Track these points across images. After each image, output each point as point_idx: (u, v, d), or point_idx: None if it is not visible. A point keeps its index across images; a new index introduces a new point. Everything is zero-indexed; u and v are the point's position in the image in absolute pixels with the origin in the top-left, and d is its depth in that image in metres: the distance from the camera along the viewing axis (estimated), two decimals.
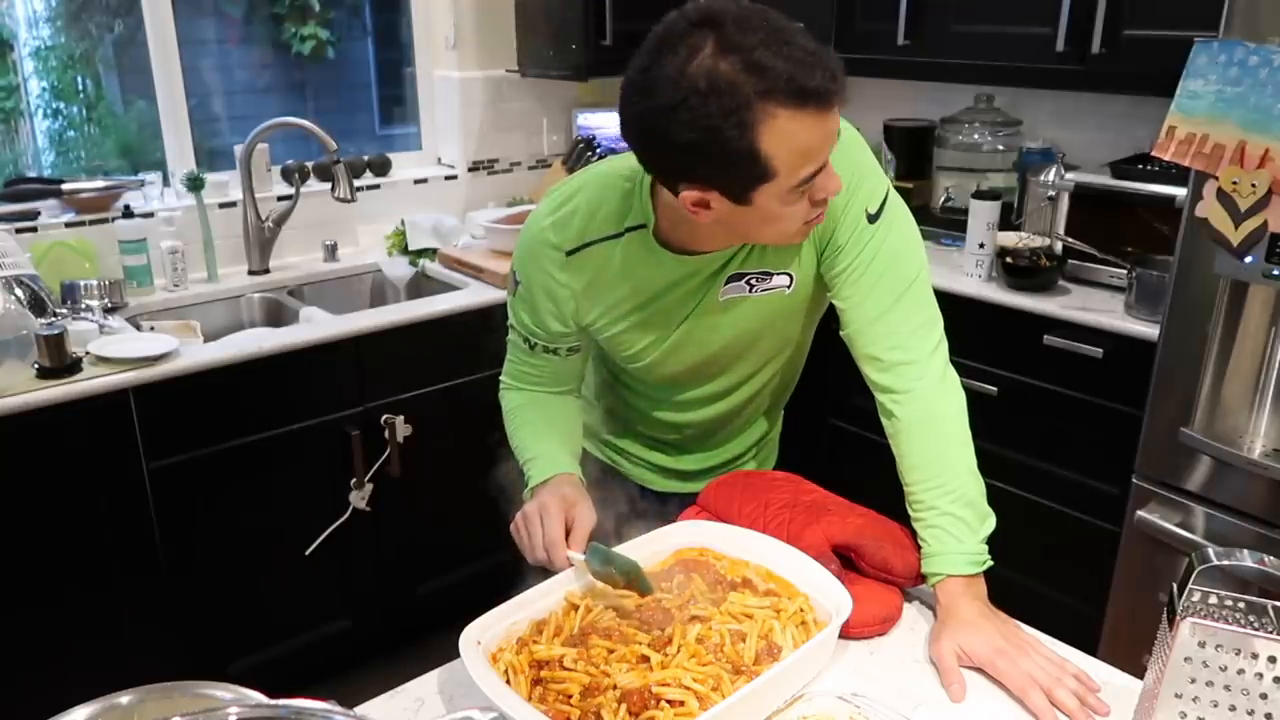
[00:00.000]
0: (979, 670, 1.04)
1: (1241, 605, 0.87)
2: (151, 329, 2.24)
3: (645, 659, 0.98)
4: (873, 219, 1.17)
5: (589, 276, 1.21)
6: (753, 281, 1.21)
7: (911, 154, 2.87)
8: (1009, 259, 2.37)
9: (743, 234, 1.13)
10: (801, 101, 0.95)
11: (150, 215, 2.51)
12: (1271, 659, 0.84)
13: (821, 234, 1.18)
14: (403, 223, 2.87)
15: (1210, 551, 0.87)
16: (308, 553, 2.32)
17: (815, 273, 1.23)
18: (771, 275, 1.21)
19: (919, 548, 1.15)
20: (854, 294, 1.19)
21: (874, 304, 1.17)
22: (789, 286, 1.22)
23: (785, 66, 0.93)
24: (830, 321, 1.37)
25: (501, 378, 1.39)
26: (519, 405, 1.35)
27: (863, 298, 1.18)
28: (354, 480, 2.34)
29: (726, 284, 1.21)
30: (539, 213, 1.23)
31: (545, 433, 1.31)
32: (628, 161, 1.15)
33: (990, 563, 1.11)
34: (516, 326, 1.31)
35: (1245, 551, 0.88)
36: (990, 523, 1.14)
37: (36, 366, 1.92)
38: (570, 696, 0.95)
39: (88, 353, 1.99)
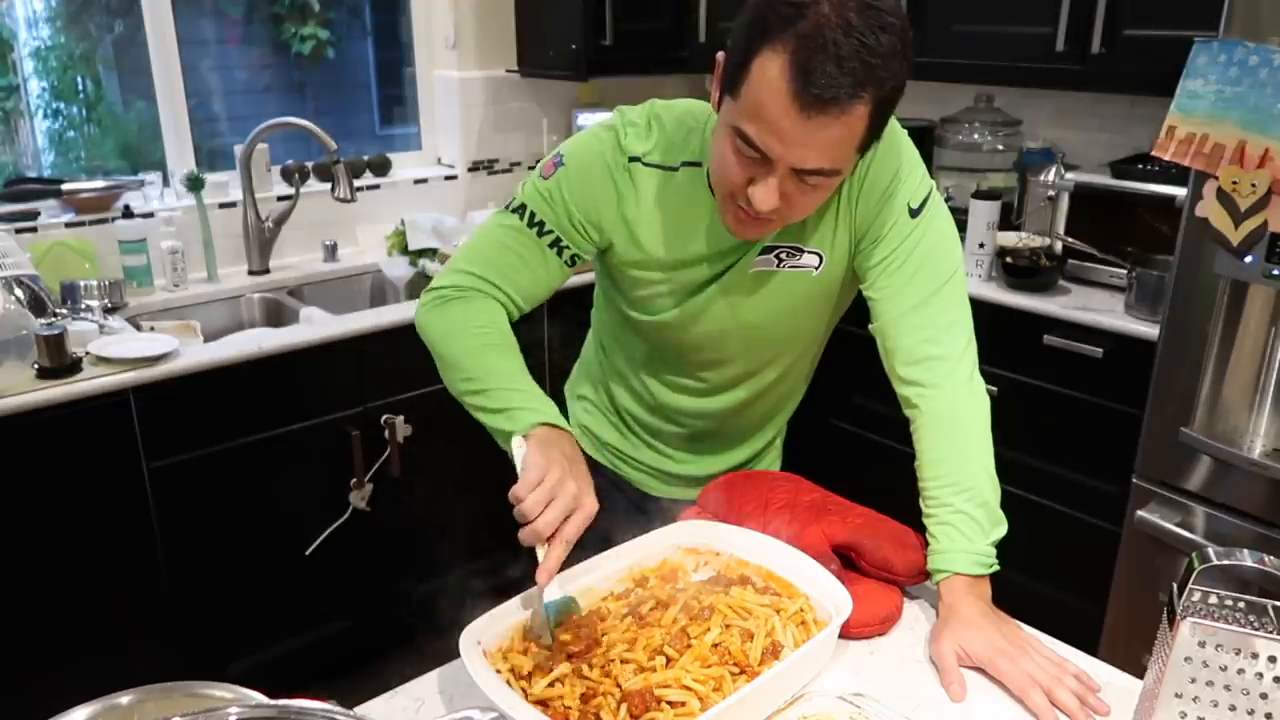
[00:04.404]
0: (979, 670, 1.04)
1: (1241, 605, 0.87)
2: (151, 329, 2.24)
3: (650, 658, 0.98)
4: (915, 213, 1.18)
5: (635, 193, 1.19)
6: (782, 256, 1.21)
7: None
8: (1009, 259, 2.37)
9: (713, 165, 1.12)
10: (791, 80, 0.95)
11: (150, 215, 2.51)
12: (1271, 659, 0.84)
13: (860, 222, 1.19)
14: (403, 223, 2.87)
15: (1210, 551, 0.87)
16: (308, 553, 2.32)
17: (846, 263, 1.23)
18: (802, 251, 1.21)
19: (922, 546, 1.15)
20: (890, 284, 1.19)
21: (909, 296, 1.17)
22: (817, 268, 1.22)
23: (821, 53, 0.93)
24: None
25: (458, 267, 1.22)
26: (493, 320, 1.20)
27: (898, 289, 1.18)
28: (354, 480, 2.34)
29: (758, 255, 1.21)
30: (622, 115, 1.21)
31: (525, 372, 1.17)
32: (703, 105, 1.18)
33: (997, 567, 1.11)
34: (528, 205, 1.20)
35: (1245, 551, 0.88)
36: (1002, 528, 1.13)
37: (36, 367, 1.92)
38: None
39: (88, 353, 1.99)
